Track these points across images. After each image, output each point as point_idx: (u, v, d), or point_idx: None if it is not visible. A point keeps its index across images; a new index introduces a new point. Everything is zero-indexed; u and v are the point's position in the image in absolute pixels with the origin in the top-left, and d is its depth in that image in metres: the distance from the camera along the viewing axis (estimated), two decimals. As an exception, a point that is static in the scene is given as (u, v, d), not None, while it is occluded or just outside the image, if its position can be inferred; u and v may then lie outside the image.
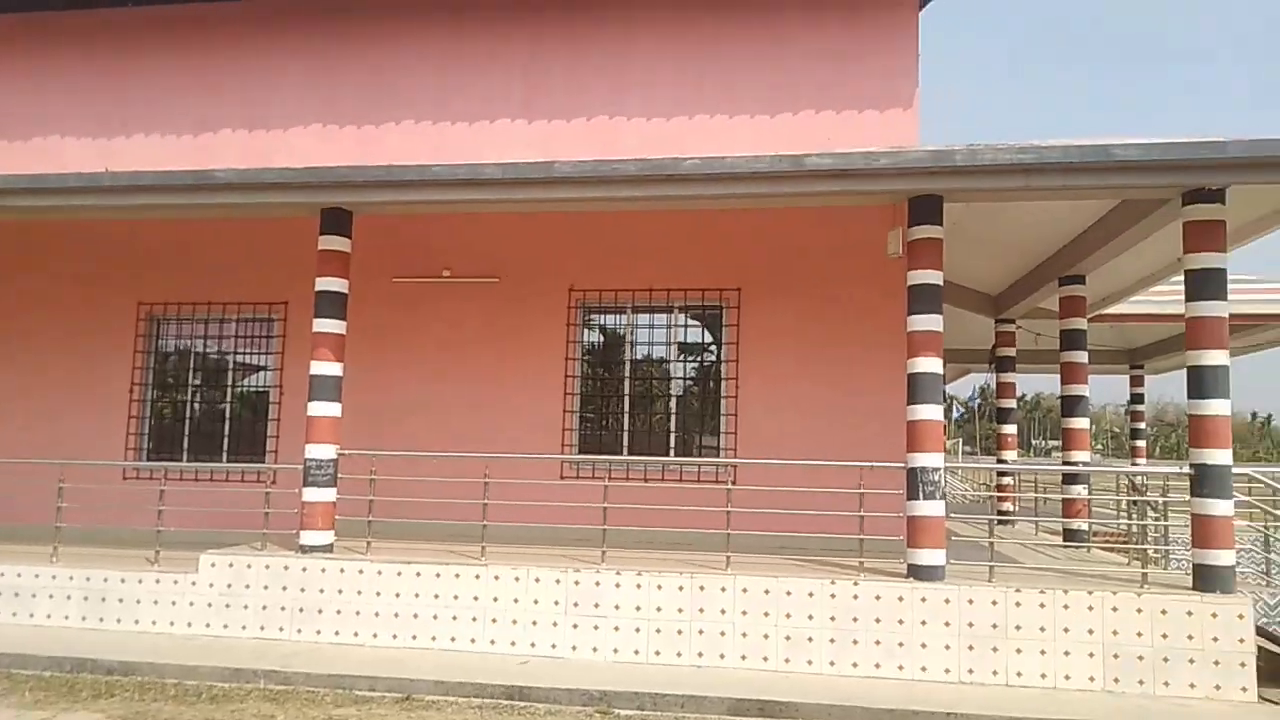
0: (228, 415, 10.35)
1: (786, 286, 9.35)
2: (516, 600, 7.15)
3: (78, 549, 8.24)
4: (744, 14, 9.21)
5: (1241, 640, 6.19)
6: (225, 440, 10.28)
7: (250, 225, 9.91)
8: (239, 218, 9.16)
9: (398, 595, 7.31)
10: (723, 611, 6.84)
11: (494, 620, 7.15)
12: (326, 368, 7.87)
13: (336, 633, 7.34)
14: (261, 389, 10.38)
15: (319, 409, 7.83)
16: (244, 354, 10.44)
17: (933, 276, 7.11)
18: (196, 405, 10.48)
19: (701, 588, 6.91)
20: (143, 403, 10.34)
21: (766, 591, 6.81)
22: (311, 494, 7.72)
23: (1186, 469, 6.73)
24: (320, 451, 7.78)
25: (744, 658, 6.74)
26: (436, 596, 7.27)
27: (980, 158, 6.70)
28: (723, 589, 6.87)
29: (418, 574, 7.33)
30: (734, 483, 7.59)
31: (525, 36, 9.53)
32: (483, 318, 9.84)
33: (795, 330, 9.28)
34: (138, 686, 6.31)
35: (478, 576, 7.24)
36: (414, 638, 7.23)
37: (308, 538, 7.68)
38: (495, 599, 7.17)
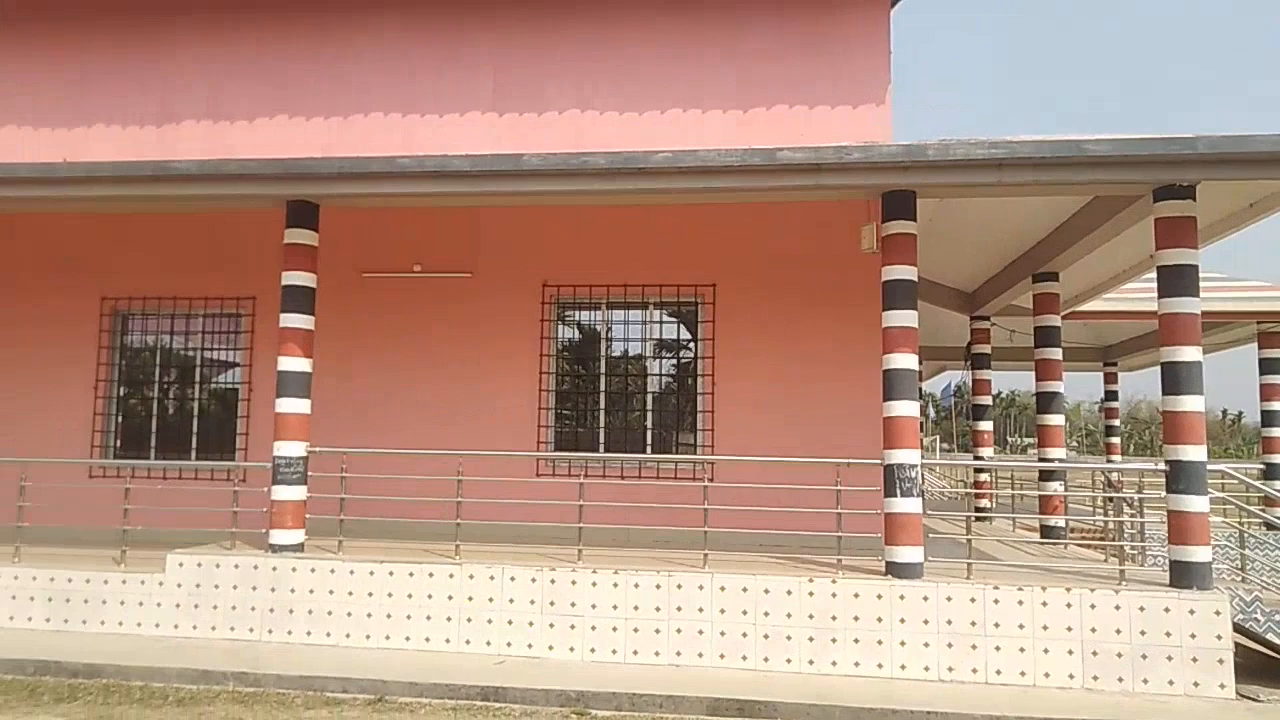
0: (196, 412, 10.15)
1: (762, 282, 9.31)
2: (492, 600, 7.05)
3: (42, 549, 8.04)
4: (714, 9, 9.14)
5: (1219, 637, 6.21)
6: (194, 438, 10.07)
7: (217, 219, 9.75)
8: (203, 210, 9.00)
9: (370, 595, 7.19)
10: (701, 610, 6.78)
11: (469, 620, 7.05)
12: (295, 363, 7.72)
13: (308, 633, 7.21)
14: (231, 386, 10.19)
15: (287, 405, 7.68)
16: (212, 350, 10.24)
17: (907, 272, 7.09)
18: (164, 402, 10.27)
19: (679, 586, 6.85)
20: (108, 399, 10.12)
21: (744, 590, 6.76)
22: (281, 492, 7.57)
23: (1161, 465, 6.76)
24: (289, 449, 7.63)
25: (723, 656, 6.69)
26: (410, 596, 7.15)
27: (952, 152, 6.68)
28: (700, 587, 6.82)
29: (390, 573, 7.21)
30: (711, 480, 7.54)
31: (493, 29, 9.40)
32: (455, 313, 9.72)
33: (771, 326, 9.25)
34: (102, 689, 6.15)
35: (452, 576, 7.13)
36: (387, 638, 7.11)
37: (277, 537, 7.54)
38: (470, 598, 7.07)
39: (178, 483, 9.67)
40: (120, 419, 10.23)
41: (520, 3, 9.38)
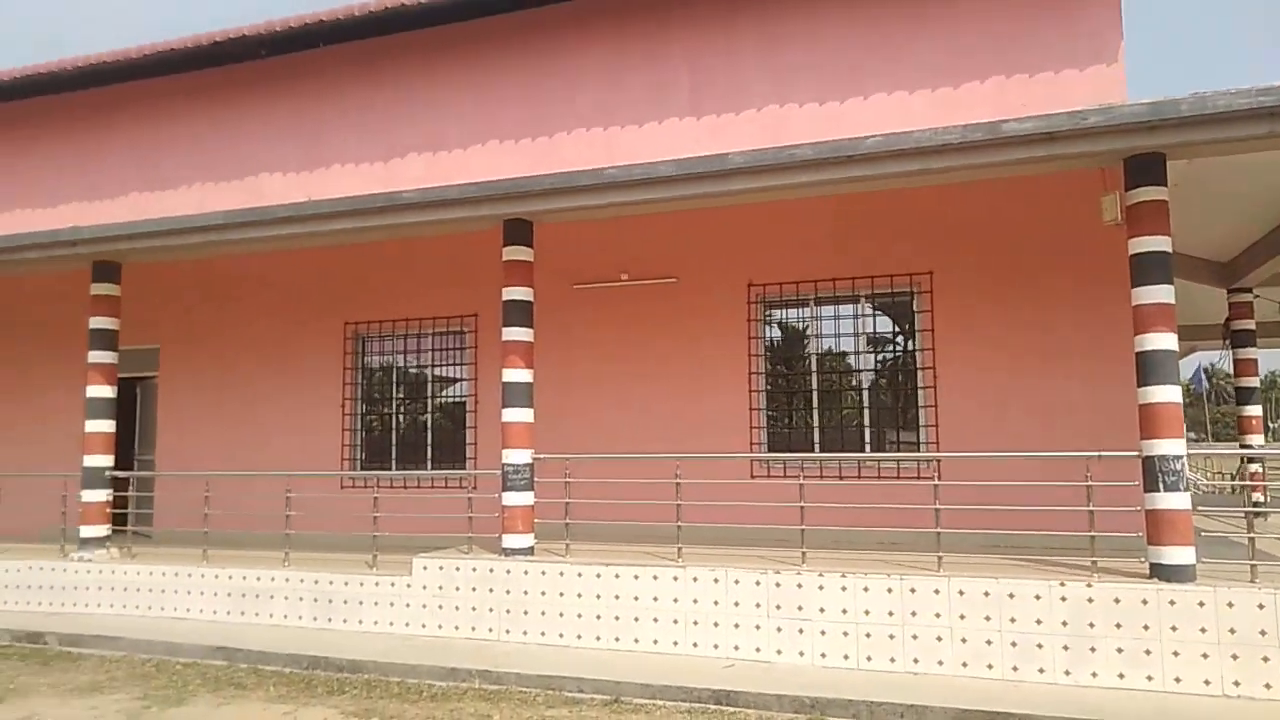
0: (429, 425, 10.87)
1: (985, 265, 8.73)
2: (717, 602, 7.02)
3: (304, 554, 8.88)
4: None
5: None
6: (429, 449, 10.79)
7: (439, 244, 10.37)
8: (428, 235, 9.54)
9: (598, 597, 7.36)
10: (937, 615, 6.41)
11: (695, 623, 7.05)
12: (518, 374, 8.08)
13: (542, 634, 7.49)
14: (458, 399, 10.83)
15: (513, 415, 8.04)
16: (441, 366, 10.93)
17: (1160, 243, 6.39)
18: (401, 417, 11.07)
19: (912, 590, 6.51)
20: (354, 416, 11.04)
21: (986, 594, 6.32)
22: (511, 498, 7.93)
23: None
24: (517, 456, 7.98)
25: (965, 665, 6.29)
26: (636, 598, 7.26)
27: (1211, 105, 5.94)
28: (936, 591, 6.44)
29: (616, 576, 7.35)
30: (939, 478, 7.14)
31: (689, 30, 9.39)
32: (663, 319, 9.81)
33: (999, 312, 8.65)
34: (365, 684, 6.67)
35: (676, 579, 7.17)
36: (617, 639, 7.25)
37: (509, 541, 7.89)
38: (695, 601, 7.08)
39: (417, 491, 10.37)
40: (364, 434, 11.13)
41: (708, 5, 9.34)
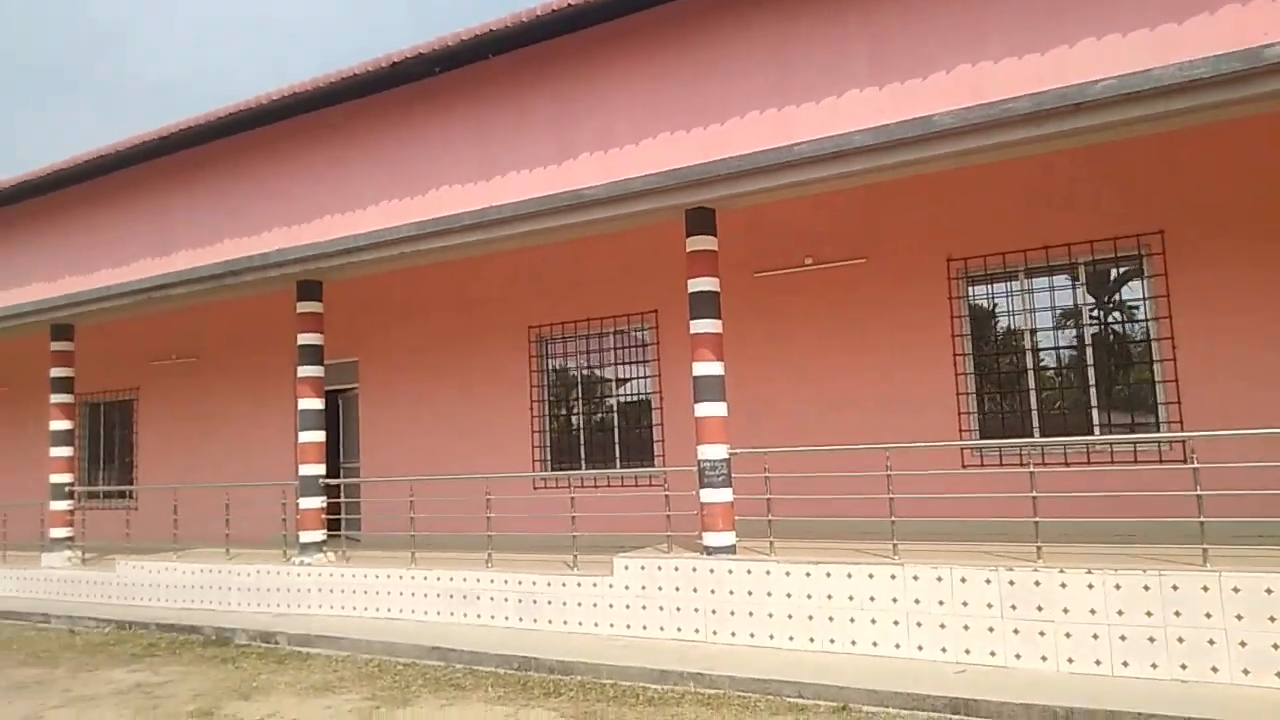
0: (615, 424, 10.84)
1: (1231, 221, 7.72)
2: (941, 602, 6.50)
3: (504, 555, 9.02)
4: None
5: None
6: (616, 447, 10.76)
7: (614, 241, 10.31)
8: (608, 231, 9.43)
9: (809, 596, 7.00)
10: (1208, 616, 5.65)
11: (918, 624, 6.56)
12: (709, 367, 7.84)
13: (751, 635, 7.21)
14: (641, 396, 10.74)
15: (706, 409, 7.81)
16: (623, 364, 10.88)
17: None
18: (585, 417, 11.11)
19: (1174, 587, 5.77)
20: (541, 418, 11.16)
21: (1269, 591, 5.51)
22: (709, 495, 7.70)
23: None
24: (712, 452, 7.74)
25: (1246, 672, 5.50)
26: (851, 598, 6.85)
27: None
28: (1205, 588, 5.68)
29: (827, 574, 6.96)
30: (1191, 461, 6.33)
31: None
32: (854, 302, 9.31)
33: (1252, 274, 7.62)
34: (579, 686, 6.60)
35: (894, 577, 6.70)
36: (831, 641, 6.87)
37: (711, 539, 7.66)
38: (917, 601, 6.59)
39: (606, 490, 10.35)
40: (551, 434, 11.24)
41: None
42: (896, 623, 6.65)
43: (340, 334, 11.81)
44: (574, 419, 11.15)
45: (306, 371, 10.17)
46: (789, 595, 7.10)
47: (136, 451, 14.62)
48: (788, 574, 7.14)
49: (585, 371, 11.16)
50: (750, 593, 7.28)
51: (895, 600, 6.67)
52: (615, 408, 10.93)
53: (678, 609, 7.59)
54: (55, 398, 12.06)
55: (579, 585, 8.12)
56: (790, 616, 7.08)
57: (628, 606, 7.85)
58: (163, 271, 10.76)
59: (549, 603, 8.24)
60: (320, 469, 10.05)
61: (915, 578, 6.63)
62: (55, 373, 12.11)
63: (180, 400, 14.14)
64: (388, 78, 11.21)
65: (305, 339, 10.21)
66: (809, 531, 7.75)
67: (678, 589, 7.61)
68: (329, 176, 12.43)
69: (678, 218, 8.02)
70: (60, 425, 12.06)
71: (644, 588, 7.78)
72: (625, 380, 10.91)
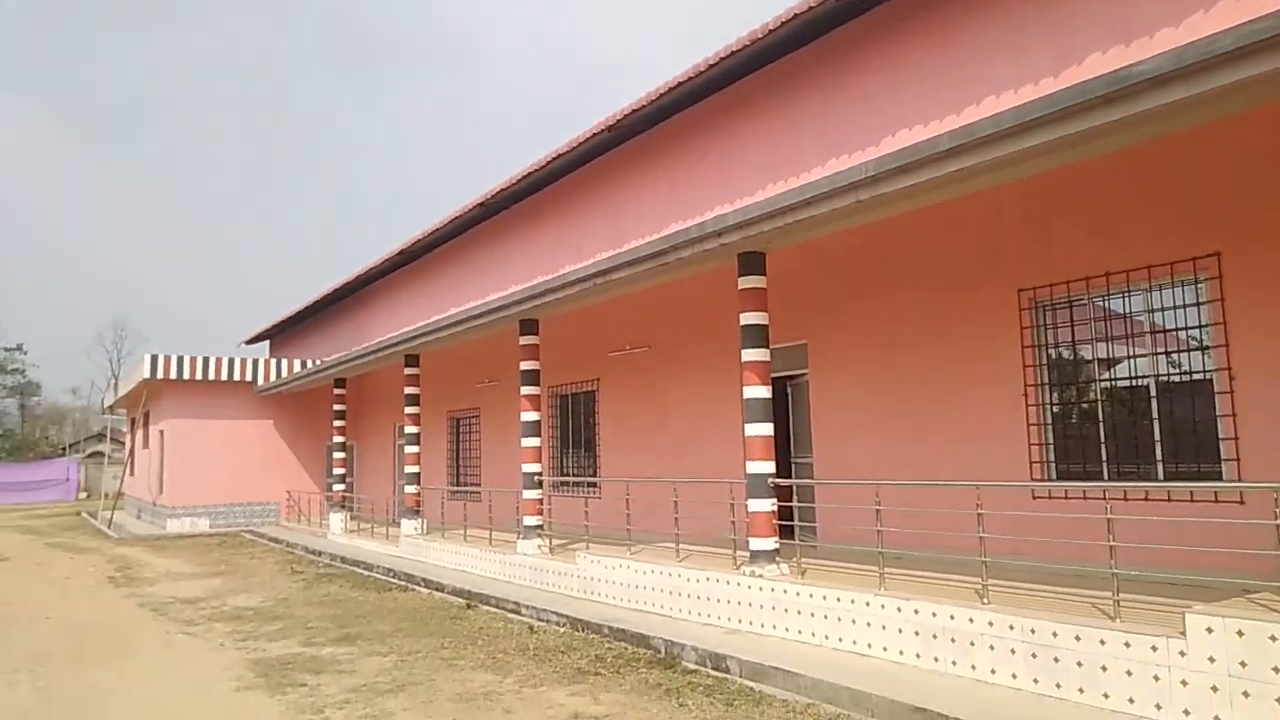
0: (1153, 414, 7.91)
1: None
2: None
3: (996, 583, 6.88)
4: None
5: None
6: (1156, 447, 7.84)
7: (1141, 159, 7.49)
8: (1175, 127, 6.40)
9: None
10: None
11: None
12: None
13: None
14: (1195, 373, 7.66)
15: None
16: (1157, 332, 7.89)
17: None
18: (1109, 405, 8.31)
19: None
20: (1039, 407, 8.62)
21: None
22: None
23: None
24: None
25: None
26: None
27: None
28: None
29: None
30: None
31: None
32: None
33: None
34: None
35: None
36: None
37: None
38: None
39: (1141, 506, 7.51)
40: (1057, 428, 8.63)
41: None
42: None
43: (786, 314, 10.47)
44: (1092, 409, 8.41)
45: (751, 355, 8.91)
46: None
47: (598, 441, 14.90)
48: None
49: (1104, 345, 8.35)
50: None
51: None
52: (1152, 393, 7.97)
53: (1313, 708, 4.78)
54: (525, 390, 12.47)
55: (1126, 645, 5.64)
56: None
57: (1214, 690, 5.20)
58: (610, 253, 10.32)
59: (1078, 664, 5.88)
60: (769, 466, 8.73)
61: None
62: (524, 365, 12.51)
63: (633, 390, 14.05)
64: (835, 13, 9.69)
65: (748, 318, 8.96)
66: None
67: (1311, 676, 4.80)
68: (765, 144, 11.23)
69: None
70: (529, 416, 12.44)
71: (1244, 665, 5.08)
72: (1159, 352, 7.91)
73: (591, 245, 14.48)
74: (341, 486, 20.29)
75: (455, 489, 18.51)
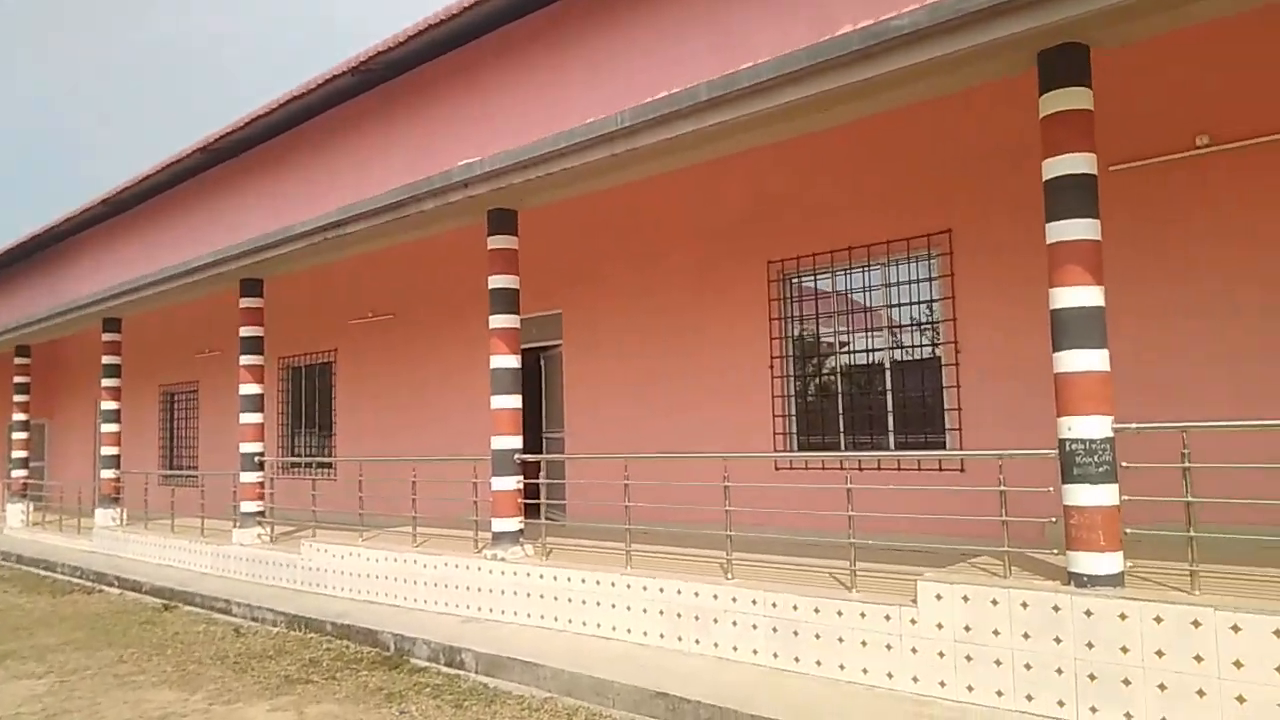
0: (887, 386, 8.14)
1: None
2: None
3: (741, 556, 6.75)
4: None
5: None
6: (888, 418, 8.08)
7: (890, 136, 7.63)
8: (917, 96, 6.43)
9: (1286, 675, 4.12)
10: None
11: None
12: (1075, 294, 5.02)
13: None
14: (928, 347, 7.96)
15: (1074, 361, 5.00)
16: (899, 305, 8.13)
17: None
18: (847, 379, 8.48)
19: None
20: (784, 379, 8.66)
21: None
22: (1081, 493, 4.91)
23: None
24: (1088, 426, 4.94)
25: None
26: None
27: None
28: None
29: (1325, 640, 4.04)
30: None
31: None
32: None
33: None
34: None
35: None
36: (1340, 758, 3.96)
37: (1082, 562, 4.89)
38: None
39: (876, 475, 7.70)
40: (797, 400, 8.72)
41: None
42: None
43: (540, 283, 9.89)
44: (830, 381, 8.56)
45: (499, 322, 8.23)
46: (1240, 665, 4.24)
47: (334, 418, 13.61)
48: (1235, 629, 4.28)
49: (844, 317, 8.52)
50: (1161, 654, 4.48)
51: None
52: (888, 364, 8.21)
53: (1027, 668, 4.91)
54: (245, 359, 10.98)
55: (862, 615, 5.61)
56: (1243, 700, 4.23)
57: (941, 655, 5.25)
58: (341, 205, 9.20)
59: (816, 636, 5.79)
60: (516, 441, 8.12)
61: None
62: (245, 332, 11.03)
63: (377, 362, 12.91)
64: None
65: (497, 281, 8.26)
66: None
67: (1027, 637, 4.93)
68: (540, 91, 10.52)
69: (1027, 69, 5.21)
70: (250, 389, 10.98)
71: (969, 629, 5.15)
72: (901, 325, 8.17)
73: (336, 200, 13.07)
74: (23, 472, 17.30)
75: (165, 473, 16.32)
